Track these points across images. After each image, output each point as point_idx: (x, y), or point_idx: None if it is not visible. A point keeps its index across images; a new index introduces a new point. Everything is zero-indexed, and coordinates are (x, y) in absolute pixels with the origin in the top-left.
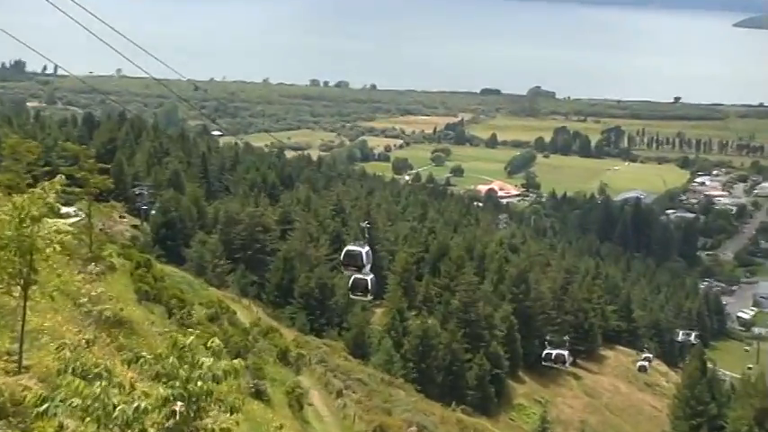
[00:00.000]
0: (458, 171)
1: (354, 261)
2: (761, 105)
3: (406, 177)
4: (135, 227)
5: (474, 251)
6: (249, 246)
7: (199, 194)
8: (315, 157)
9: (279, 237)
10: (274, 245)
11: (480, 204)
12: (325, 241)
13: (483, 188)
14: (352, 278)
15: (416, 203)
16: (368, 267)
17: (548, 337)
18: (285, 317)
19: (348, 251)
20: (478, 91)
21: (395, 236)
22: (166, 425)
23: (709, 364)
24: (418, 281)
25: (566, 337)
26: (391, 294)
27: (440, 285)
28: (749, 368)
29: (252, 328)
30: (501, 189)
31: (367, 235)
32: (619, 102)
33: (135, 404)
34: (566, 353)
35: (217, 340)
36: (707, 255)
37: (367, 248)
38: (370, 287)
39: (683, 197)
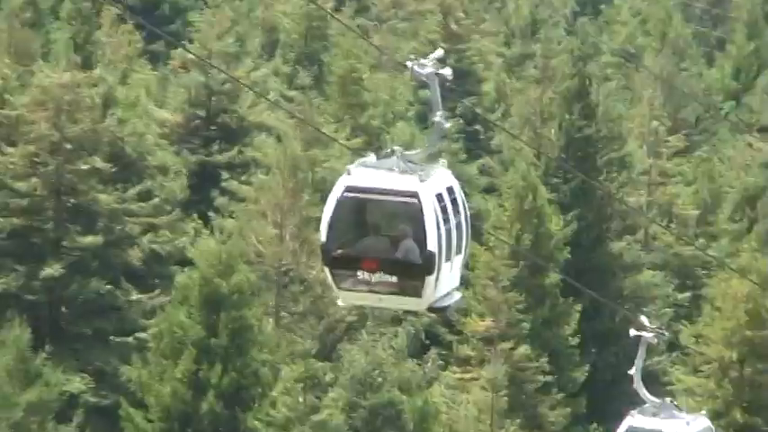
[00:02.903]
0: None
1: (378, 240)
2: None
3: None
4: None
5: None
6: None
7: None
8: None
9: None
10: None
11: None
12: None
13: None
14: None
15: None
16: (449, 272)
17: None
18: None
19: (348, 196)
20: None
21: None
22: None
23: None
24: None
25: None
26: None
27: None
28: None
29: None
30: None
31: (445, 120)
32: None
33: None
34: None
35: None
36: None
37: (435, 185)
38: None
39: None
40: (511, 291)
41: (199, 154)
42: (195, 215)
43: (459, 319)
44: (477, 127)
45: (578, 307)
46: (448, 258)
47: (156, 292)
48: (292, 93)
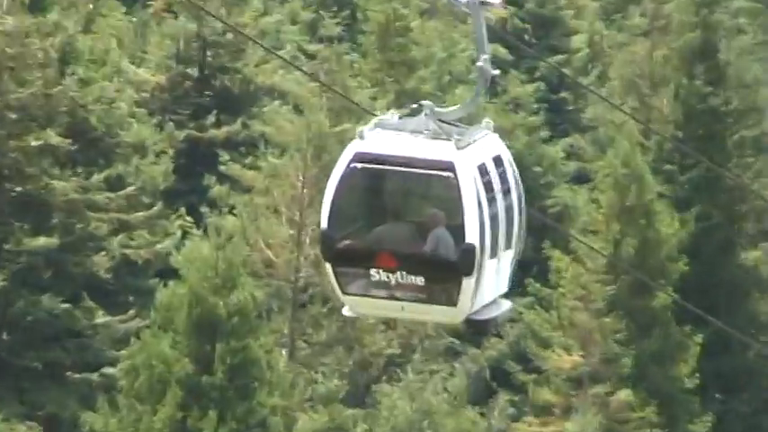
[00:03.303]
0: None
1: (399, 227)
2: None
3: None
4: None
5: None
6: None
7: None
8: None
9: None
10: None
11: None
12: None
13: None
14: None
15: None
16: (495, 273)
17: None
18: None
19: (360, 167)
20: None
21: None
22: None
23: None
24: None
25: None
26: None
27: None
28: None
29: None
30: None
31: (490, 66)
32: None
33: None
34: None
35: None
36: None
37: (477, 154)
38: None
39: None
40: (607, 315)
41: (188, 128)
42: (183, 210)
43: (537, 352)
44: (565, 94)
45: (698, 338)
46: (494, 254)
47: (130, 313)
48: (315, 47)
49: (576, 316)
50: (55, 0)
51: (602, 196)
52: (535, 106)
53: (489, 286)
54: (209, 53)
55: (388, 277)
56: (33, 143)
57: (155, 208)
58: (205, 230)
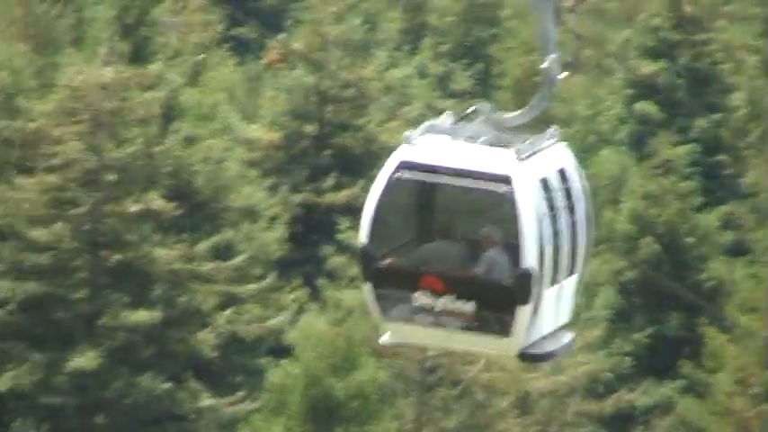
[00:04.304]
0: None
1: (448, 246)
2: None
3: None
4: None
5: None
6: None
7: None
8: None
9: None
10: None
11: None
12: None
13: None
14: None
15: None
16: (555, 302)
17: None
18: None
19: (406, 177)
20: None
21: None
22: None
23: None
24: None
25: None
26: None
27: None
28: None
29: None
30: None
31: (559, 67)
32: None
33: None
34: None
35: None
36: None
37: (539, 166)
38: None
39: None
40: (767, 402)
41: (305, 191)
42: (298, 282)
43: None
44: (722, 157)
45: None
46: (554, 280)
47: (239, 395)
48: (446, 102)
49: (734, 402)
50: (158, 49)
51: (763, 270)
52: (688, 170)
53: (548, 316)
54: (328, 109)
55: (434, 302)
56: (133, 208)
57: (267, 279)
58: (322, 304)
